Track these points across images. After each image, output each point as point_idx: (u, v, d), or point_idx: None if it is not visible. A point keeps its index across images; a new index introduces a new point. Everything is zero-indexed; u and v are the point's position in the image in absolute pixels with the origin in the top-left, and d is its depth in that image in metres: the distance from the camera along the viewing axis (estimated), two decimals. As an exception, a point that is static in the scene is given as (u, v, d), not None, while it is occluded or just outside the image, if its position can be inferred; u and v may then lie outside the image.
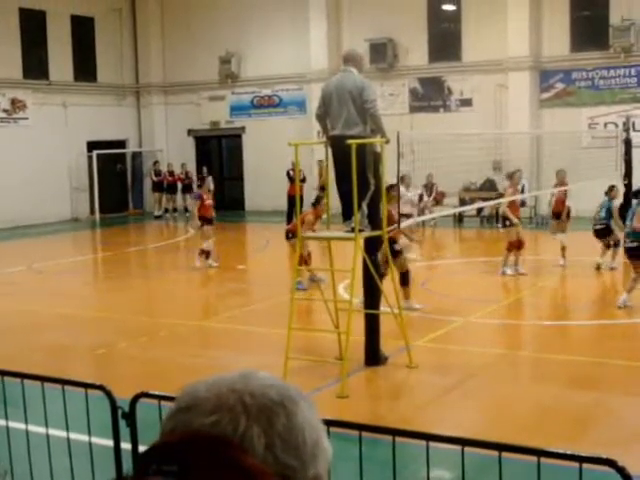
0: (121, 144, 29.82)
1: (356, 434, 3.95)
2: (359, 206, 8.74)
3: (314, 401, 1.13)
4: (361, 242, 8.93)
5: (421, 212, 21.73)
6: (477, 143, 16.65)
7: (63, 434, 4.96)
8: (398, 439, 3.95)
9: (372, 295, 9.45)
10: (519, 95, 23.97)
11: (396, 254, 11.85)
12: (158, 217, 28.19)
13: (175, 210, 28.36)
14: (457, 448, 3.76)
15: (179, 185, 28.52)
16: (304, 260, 12.60)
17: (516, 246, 14.94)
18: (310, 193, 19.31)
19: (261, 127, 28.45)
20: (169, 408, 1.11)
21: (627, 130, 19.52)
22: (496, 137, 22.30)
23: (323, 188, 19.88)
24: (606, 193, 15.02)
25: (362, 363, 9.35)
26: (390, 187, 11.01)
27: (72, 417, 4.96)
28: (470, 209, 22.67)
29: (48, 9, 27.00)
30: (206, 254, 16.70)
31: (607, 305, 12.80)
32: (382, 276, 10.26)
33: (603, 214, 14.88)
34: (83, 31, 28.37)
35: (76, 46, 28.14)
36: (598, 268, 15.13)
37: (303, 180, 20.50)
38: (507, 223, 15.20)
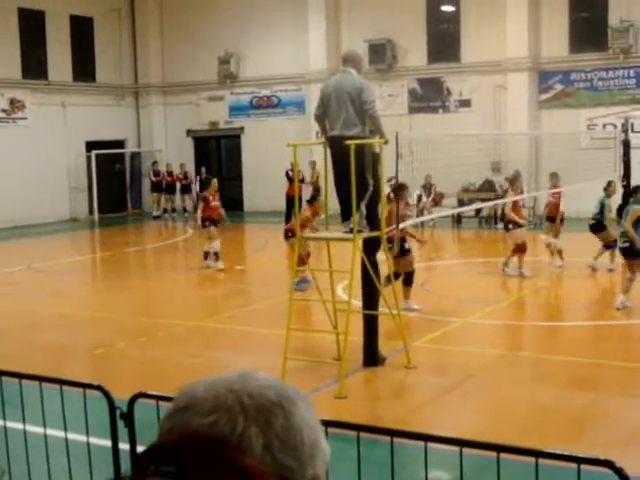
0: (120, 144, 29.80)
1: (354, 435, 3.94)
2: (358, 207, 8.74)
3: (312, 401, 1.13)
4: (360, 243, 8.93)
5: (420, 213, 21.77)
6: (476, 144, 16.61)
7: (61, 434, 4.96)
8: (396, 440, 3.96)
9: (370, 296, 9.45)
10: (518, 96, 23.97)
11: (405, 252, 11.98)
12: (157, 217, 28.17)
13: (174, 210, 28.34)
14: (455, 449, 3.76)
15: (178, 185, 28.48)
16: (303, 260, 12.61)
17: (522, 249, 14.91)
18: (308, 193, 19.30)
19: (260, 127, 28.43)
20: (167, 408, 1.11)
21: (626, 131, 19.51)
22: (495, 138, 22.25)
23: (317, 189, 19.93)
24: (605, 189, 15.05)
25: (360, 364, 9.35)
26: (399, 187, 11.08)
27: (70, 417, 4.95)
28: (469, 210, 22.69)
29: (47, 9, 26.99)
30: (215, 255, 16.69)
31: (605, 306, 12.82)
32: (397, 276, 10.54)
33: (596, 209, 14.90)
34: (82, 31, 28.35)
35: (75, 46, 28.12)
36: (594, 270, 15.13)
37: (302, 180, 20.52)
38: (510, 227, 15.13)
